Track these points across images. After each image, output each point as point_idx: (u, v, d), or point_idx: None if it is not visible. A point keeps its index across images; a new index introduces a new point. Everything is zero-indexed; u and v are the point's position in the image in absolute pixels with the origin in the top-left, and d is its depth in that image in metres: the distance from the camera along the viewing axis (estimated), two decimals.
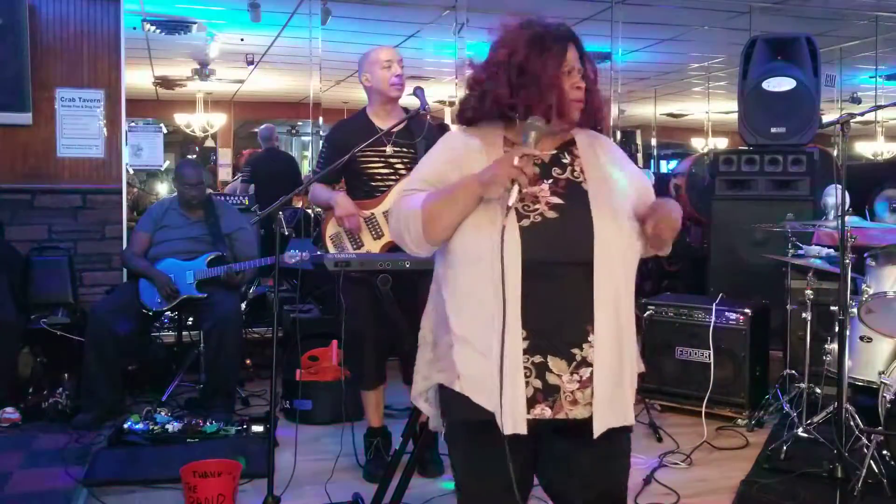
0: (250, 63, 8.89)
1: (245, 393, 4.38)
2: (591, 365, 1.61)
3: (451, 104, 7.87)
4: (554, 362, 1.60)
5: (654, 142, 12.40)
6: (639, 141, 10.11)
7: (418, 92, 3.15)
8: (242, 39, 8.00)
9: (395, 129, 3.13)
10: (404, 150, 3.20)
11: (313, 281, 4.69)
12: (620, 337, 1.64)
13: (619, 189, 1.69)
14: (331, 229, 3.25)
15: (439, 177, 1.69)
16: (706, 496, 3.13)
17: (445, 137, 1.81)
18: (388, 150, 3.18)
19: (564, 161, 1.71)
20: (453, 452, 1.77)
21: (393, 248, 3.15)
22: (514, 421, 1.58)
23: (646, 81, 10.85)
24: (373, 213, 3.18)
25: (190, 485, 2.76)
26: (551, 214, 1.62)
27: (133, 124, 6.11)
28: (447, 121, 10.32)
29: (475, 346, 1.61)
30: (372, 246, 3.17)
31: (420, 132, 3.21)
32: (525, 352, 1.59)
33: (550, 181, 1.67)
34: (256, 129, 14.18)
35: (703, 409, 3.91)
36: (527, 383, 1.59)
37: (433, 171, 1.72)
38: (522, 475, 1.67)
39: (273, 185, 6.39)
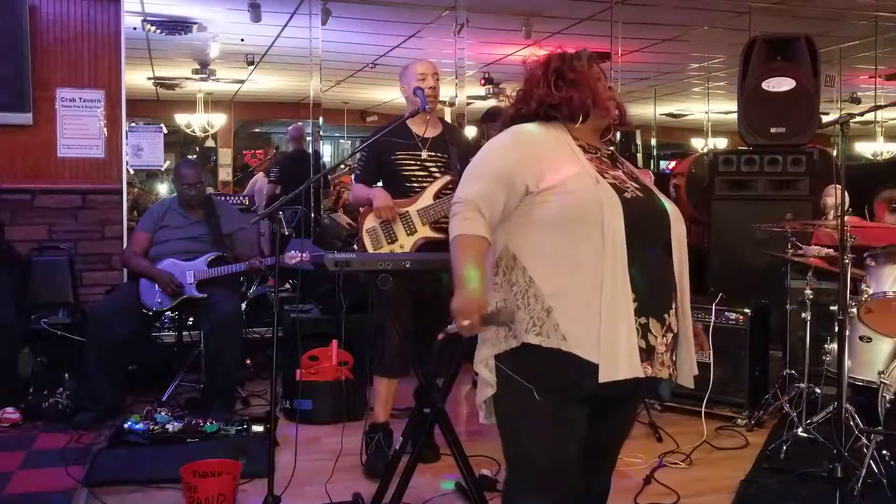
0: (250, 63, 8.90)
1: (245, 393, 4.38)
2: (673, 331, 1.80)
3: (451, 105, 7.86)
4: (654, 325, 1.76)
5: (653, 142, 12.41)
6: (639, 141, 10.12)
7: (417, 92, 3.30)
8: (243, 40, 8.01)
9: (429, 136, 3.43)
10: (438, 154, 3.43)
11: (314, 280, 4.70)
12: (686, 308, 1.87)
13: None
14: (368, 223, 3.38)
15: (489, 198, 1.80)
16: (706, 496, 3.14)
17: (505, 140, 1.91)
18: (424, 154, 3.41)
19: (620, 163, 1.97)
20: (524, 425, 1.82)
21: (425, 244, 3.29)
22: (629, 367, 1.70)
23: (646, 81, 10.85)
24: (407, 211, 3.34)
25: (190, 484, 2.77)
26: (640, 194, 1.84)
27: (133, 124, 6.10)
28: (447, 120, 10.34)
29: (585, 307, 1.71)
30: (405, 241, 3.33)
31: (453, 137, 3.51)
32: (634, 312, 1.73)
33: (622, 171, 1.90)
34: (258, 129, 14.27)
35: (703, 409, 3.91)
36: (636, 341, 1.74)
37: (484, 192, 1.81)
38: (579, 453, 1.81)
39: (298, 186, 6.39)
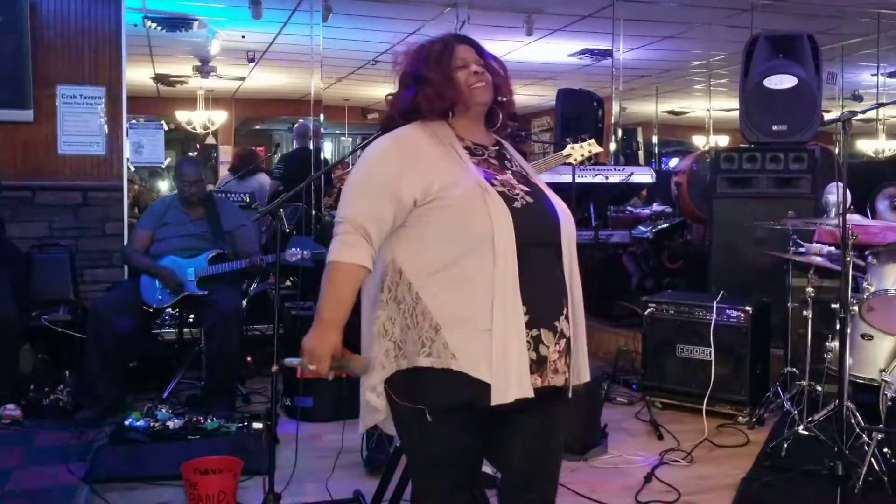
0: (251, 60, 8.89)
1: (246, 390, 4.38)
2: (565, 336, 1.76)
3: None
4: (545, 335, 1.72)
5: (654, 139, 12.39)
6: (640, 138, 10.13)
7: None
8: (243, 37, 8.00)
9: None
10: None
11: (315, 278, 4.70)
12: (578, 308, 1.82)
13: (544, 183, 1.89)
14: None
15: (375, 216, 1.70)
16: (707, 494, 3.13)
17: (385, 148, 1.78)
18: None
19: (508, 157, 1.88)
20: (416, 442, 1.79)
21: None
22: (519, 387, 1.66)
23: (647, 79, 10.83)
24: None
25: (191, 482, 2.77)
26: (529, 199, 1.77)
27: (134, 121, 6.10)
28: None
29: (475, 325, 1.66)
30: None
31: None
32: (526, 325, 1.68)
33: (510, 172, 1.82)
34: (258, 126, 14.25)
35: (704, 407, 3.92)
36: (527, 356, 1.69)
37: (369, 209, 1.71)
38: (478, 456, 1.83)
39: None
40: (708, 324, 4.06)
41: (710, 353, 4.03)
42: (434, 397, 1.70)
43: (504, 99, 1.89)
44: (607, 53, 7.53)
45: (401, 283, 1.71)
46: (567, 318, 1.77)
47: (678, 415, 4.09)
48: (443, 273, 1.68)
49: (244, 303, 4.57)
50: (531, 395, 1.67)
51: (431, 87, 1.79)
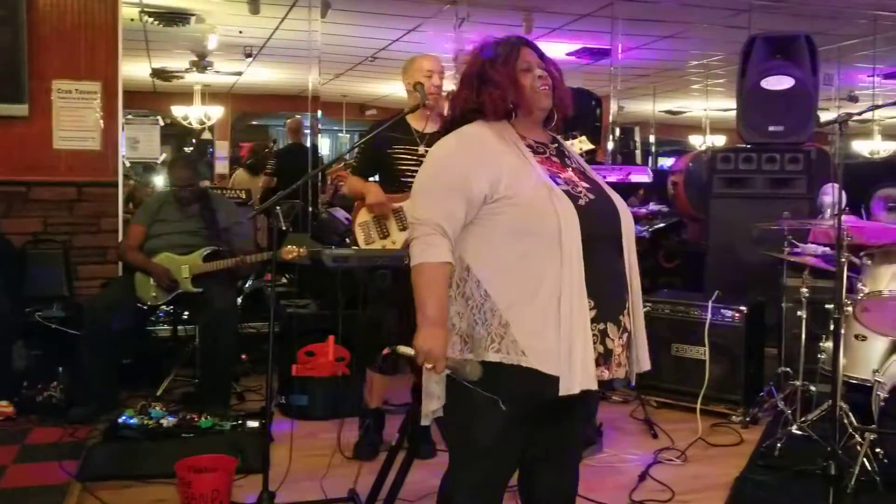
0: (248, 55, 8.87)
1: (241, 388, 4.37)
2: (627, 330, 1.82)
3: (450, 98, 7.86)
4: (611, 328, 1.78)
5: (652, 138, 12.41)
6: (637, 137, 10.13)
7: (418, 87, 3.25)
8: (241, 32, 7.98)
9: (428, 131, 3.36)
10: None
11: (312, 275, 4.69)
12: (638, 301, 1.89)
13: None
14: (361, 218, 3.40)
15: (449, 213, 1.76)
16: (701, 493, 3.14)
17: (452, 148, 1.85)
18: (421, 150, 3.37)
19: (567, 156, 1.94)
20: (480, 430, 1.81)
21: None
22: (584, 378, 1.71)
23: (645, 78, 10.84)
24: (402, 207, 3.33)
25: (185, 480, 2.76)
26: (591, 196, 1.81)
27: (130, 116, 6.08)
28: (447, 114, 10.31)
29: (544, 319, 1.70)
30: (398, 237, 3.33)
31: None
32: (592, 320, 1.74)
33: (572, 169, 1.88)
34: (255, 122, 14.23)
35: (699, 406, 3.93)
36: (593, 349, 1.75)
37: (443, 208, 1.77)
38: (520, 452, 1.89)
39: (296, 180, 6.37)
40: (703, 323, 4.06)
41: (705, 352, 4.04)
42: (504, 390, 1.75)
43: (561, 102, 1.93)
44: (606, 53, 7.53)
45: (468, 279, 1.78)
46: (628, 312, 1.83)
47: (673, 414, 4.09)
48: (511, 270, 1.73)
49: (239, 300, 4.56)
50: (595, 386, 1.74)
51: (497, 88, 1.84)
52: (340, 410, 3.60)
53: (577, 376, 1.71)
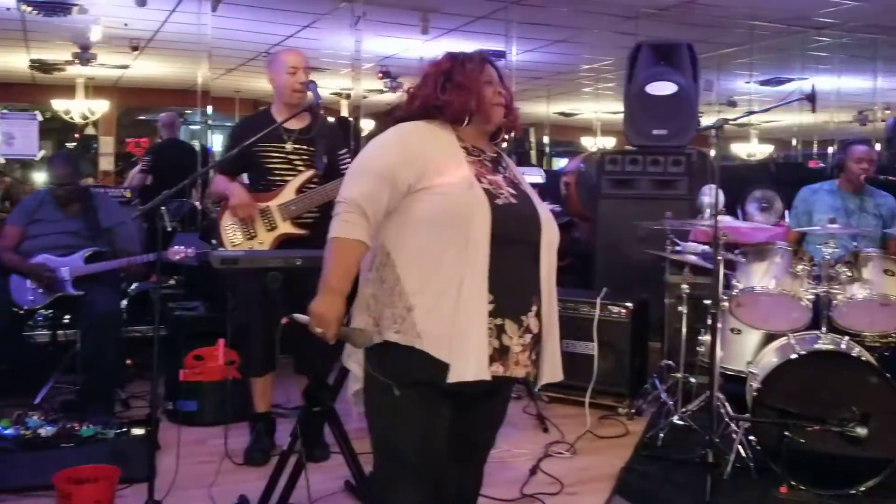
0: (135, 48, 8.53)
1: (125, 394, 4.20)
2: (531, 332, 1.87)
3: (348, 97, 7.80)
4: (510, 326, 1.83)
5: (546, 139, 12.72)
6: (532, 139, 10.36)
7: (311, 86, 3.25)
8: (126, 24, 7.66)
9: (294, 128, 3.26)
10: (304, 147, 3.30)
11: (201, 277, 4.56)
12: (552, 308, 1.94)
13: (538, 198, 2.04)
14: (226, 219, 3.29)
15: (372, 198, 1.84)
16: (588, 484, 3.24)
17: (390, 138, 1.94)
18: (288, 146, 3.29)
19: (503, 165, 2.03)
20: (385, 419, 1.91)
21: (285, 240, 3.18)
22: (478, 369, 1.78)
23: (539, 81, 11.10)
24: (268, 206, 3.24)
25: (64, 492, 2.64)
26: (513, 200, 1.90)
27: (5, 111, 5.73)
28: (344, 112, 10.24)
29: (442, 307, 1.77)
30: (265, 237, 3.23)
31: (317, 129, 3.32)
32: (490, 314, 1.80)
33: (502, 176, 1.96)
34: (143, 117, 13.68)
35: (587, 400, 4.05)
36: (488, 343, 1.81)
37: (367, 192, 1.85)
38: (442, 445, 1.92)
39: (174, 176, 6.12)
40: (591, 319, 4.20)
41: (594, 347, 4.18)
42: (399, 372, 1.83)
43: (512, 122, 2.03)
44: (501, 55, 7.65)
45: (388, 264, 1.85)
46: (538, 315, 1.88)
47: (564, 408, 4.20)
48: (422, 257, 1.81)
49: (124, 303, 4.38)
50: (488, 377, 1.79)
51: (463, 91, 1.93)
52: (230, 416, 3.52)
53: (470, 366, 1.76)
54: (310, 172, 3.26)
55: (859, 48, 8.71)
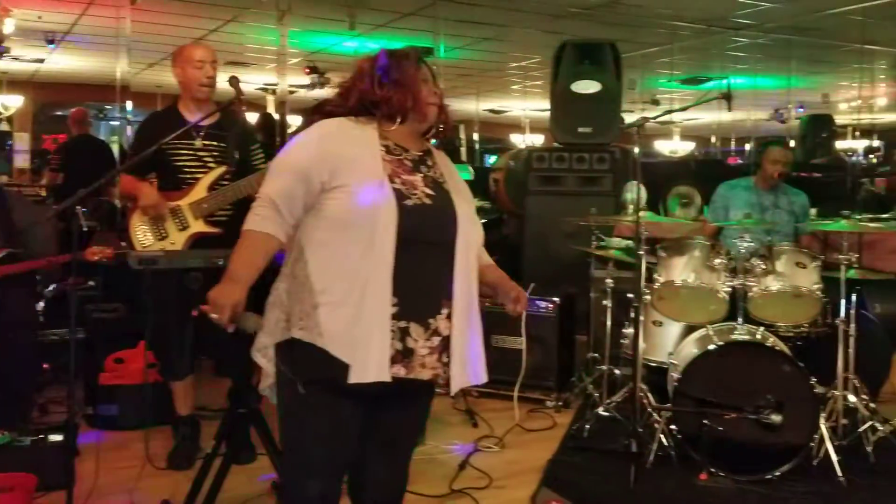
0: (51, 42, 8.21)
1: (42, 399, 4.05)
2: (440, 335, 1.85)
3: (273, 92, 7.68)
4: (415, 328, 1.82)
5: (475, 136, 12.81)
6: (462, 135, 10.42)
7: (233, 81, 3.13)
8: (40, 17, 7.37)
9: (204, 123, 3.15)
10: (214, 143, 3.22)
11: (121, 278, 4.42)
12: (469, 311, 1.91)
13: (466, 195, 2.02)
14: (136, 220, 3.19)
15: (286, 194, 1.85)
16: (516, 477, 3.28)
17: (310, 135, 1.93)
18: (198, 143, 3.20)
19: (429, 164, 1.98)
20: (291, 415, 1.91)
21: (199, 240, 3.10)
22: (378, 371, 1.77)
23: (469, 78, 11.17)
24: (179, 205, 3.15)
25: None
26: (427, 201, 1.88)
27: None
28: (270, 109, 10.08)
29: (345, 307, 1.77)
30: (177, 237, 3.14)
31: (231, 125, 3.24)
32: (393, 316, 1.79)
33: (422, 175, 1.93)
34: (60, 112, 13.18)
35: (516, 394, 4.11)
36: (390, 345, 1.79)
37: (281, 188, 1.86)
38: (349, 442, 1.91)
39: (88, 174, 5.89)
40: (520, 314, 4.24)
41: (523, 342, 4.24)
42: (303, 369, 1.82)
43: (445, 122, 2.02)
44: (430, 51, 7.66)
45: (300, 260, 1.85)
46: (449, 317, 1.85)
47: (493, 402, 4.25)
48: (330, 255, 1.81)
49: (40, 305, 4.22)
50: (387, 379, 1.78)
51: (401, 88, 1.92)
52: (152, 419, 3.43)
53: (370, 367, 1.76)
54: (221, 169, 3.17)
55: (775, 48, 9.06)
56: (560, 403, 4.21)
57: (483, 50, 9.34)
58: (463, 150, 10.34)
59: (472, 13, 7.52)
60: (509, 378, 4.22)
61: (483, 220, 6.30)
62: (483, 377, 1.98)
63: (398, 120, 1.93)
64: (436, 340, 1.85)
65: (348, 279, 1.78)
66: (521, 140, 13.70)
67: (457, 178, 2.04)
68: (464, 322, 1.89)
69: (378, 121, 1.94)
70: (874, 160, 10.65)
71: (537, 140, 13.17)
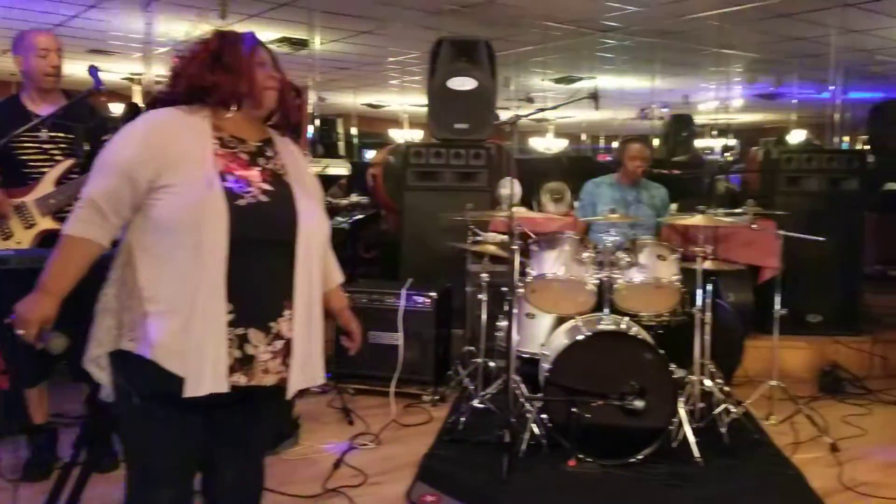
0: None
1: None
2: (283, 338, 1.77)
3: (139, 82, 7.33)
4: (254, 334, 1.74)
5: (353, 130, 12.70)
6: (340, 129, 10.30)
7: (92, 71, 3.00)
8: None
9: (46, 113, 2.98)
10: (61, 135, 3.05)
11: None
12: (311, 311, 1.83)
13: (312, 187, 1.93)
14: None
15: (111, 195, 1.72)
16: (392, 473, 3.28)
17: (135, 129, 1.79)
18: (44, 135, 3.02)
19: (269, 155, 1.88)
20: (130, 425, 1.83)
21: (47, 237, 2.93)
22: (214, 382, 1.68)
23: (347, 71, 11.07)
24: (24, 202, 2.96)
25: None
26: (264, 198, 1.78)
27: None
28: (136, 99, 9.62)
29: (176, 316, 1.67)
30: (23, 235, 2.95)
31: (80, 116, 3.08)
32: (229, 324, 1.70)
33: (259, 168, 1.83)
34: None
35: (393, 389, 4.11)
36: (228, 353, 1.71)
37: (105, 189, 1.73)
38: (194, 448, 1.84)
39: None
40: (397, 310, 4.26)
41: (399, 337, 4.25)
42: (136, 382, 1.73)
43: (287, 107, 1.92)
44: (303, 43, 7.54)
45: (129, 264, 1.73)
46: (290, 319, 1.78)
47: (370, 399, 4.23)
48: (159, 261, 1.70)
49: None
50: (225, 390, 1.70)
51: (233, 73, 1.80)
52: (5, 429, 3.21)
53: (205, 380, 1.67)
54: (69, 162, 3.00)
55: (640, 51, 9.50)
56: (437, 397, 4.25)
57: (360, 43, 9.28)
58: (341, 144, 10.22)
59: (347, 6, 7.45)
60: (386, 374, 4.22)
61: (360, 216, 6.36)
62: (320, 378, 1.89)
63: (233, 107, 1.82)
64: (278, 344, 1.77)
65: (178, 286, 1.66)
66: (400, 135, 13.70)
67: (302, 169, 1.94)
68: (305, 324, 1.81)
69: (211, 109, 1.81)
70: (730, 158, 11.36)
71: (417, 135, 13.22)
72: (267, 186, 1.80)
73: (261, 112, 1.87)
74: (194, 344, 1.66)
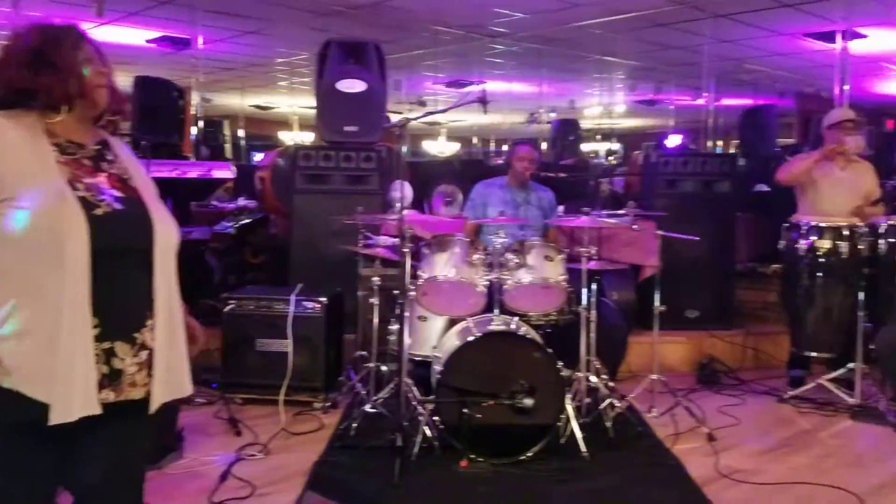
0: None
1: None
2: (147, 348, 1.69)
3: None
4: (120, 347, 1.65)
5: (241, 132, 12.39)
6: (226, 131, 10.02)
7: None
8: None
9: None
10: None
11: None
12: (172, 319, 1.76)
13: (153, 191, 1.82)
14: None
15: None
16: (281, 483, 3.20)
17: None
18: None
19: (109, 158, 1.78)
20: None
21: None
22: (85, 403, 1.58)
23: (232, 72, 10.79)
24: None
25: None
26: (118, 206, 1.68)
27: None
28: None
29: (38, 340, 1.55)
30: None
31: None
32: (96, 338, 1.60)
33: (105, 175, 1.72)
34: None
35: (282, 398, 4.01)
36: (96, 368, 1.61)
37: None
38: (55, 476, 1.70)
39: None
40: (286, 316, 4.16)
41: (289, 344, 4.15)
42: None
43: (118, 103, 1.80)
44: (186, 43, 7.28)
45: None
46: (152, 329, 1.70)
47: (258, 409, 4.11)
48: (11, 279, 1.56)
49: None
50: (98, 411, 1.60)
51: (59, 73, 1.66)
52: None
53: (75, 403, 1.56)
54: None
55: (527, 56, 9.71)
56: (328, 404, 4.18)
57: (246, 43, 9.05)
58: (228, 146, 9.94)
59: (231, 4, 7.25)
60: (275, 382, 4.11)
61: (247, 220, 6.19)
62: (188, 389, 1.80)
63: (63, 109, 1.68)
64: (143, 355, 1.69)
65: (38, 306, 1.54)
66: (289, 137, 13.46)
67: (141, 171, 1.84)
68: (167, 332, 1.73)
69: (38, 113, 1.66)
70: (614, 161, 11.80)
71: (307, 138, 13.03)
72: (118, 193, 1.70)
73: (94, 112, 1.75)
74: (60, 364, 1.54)
